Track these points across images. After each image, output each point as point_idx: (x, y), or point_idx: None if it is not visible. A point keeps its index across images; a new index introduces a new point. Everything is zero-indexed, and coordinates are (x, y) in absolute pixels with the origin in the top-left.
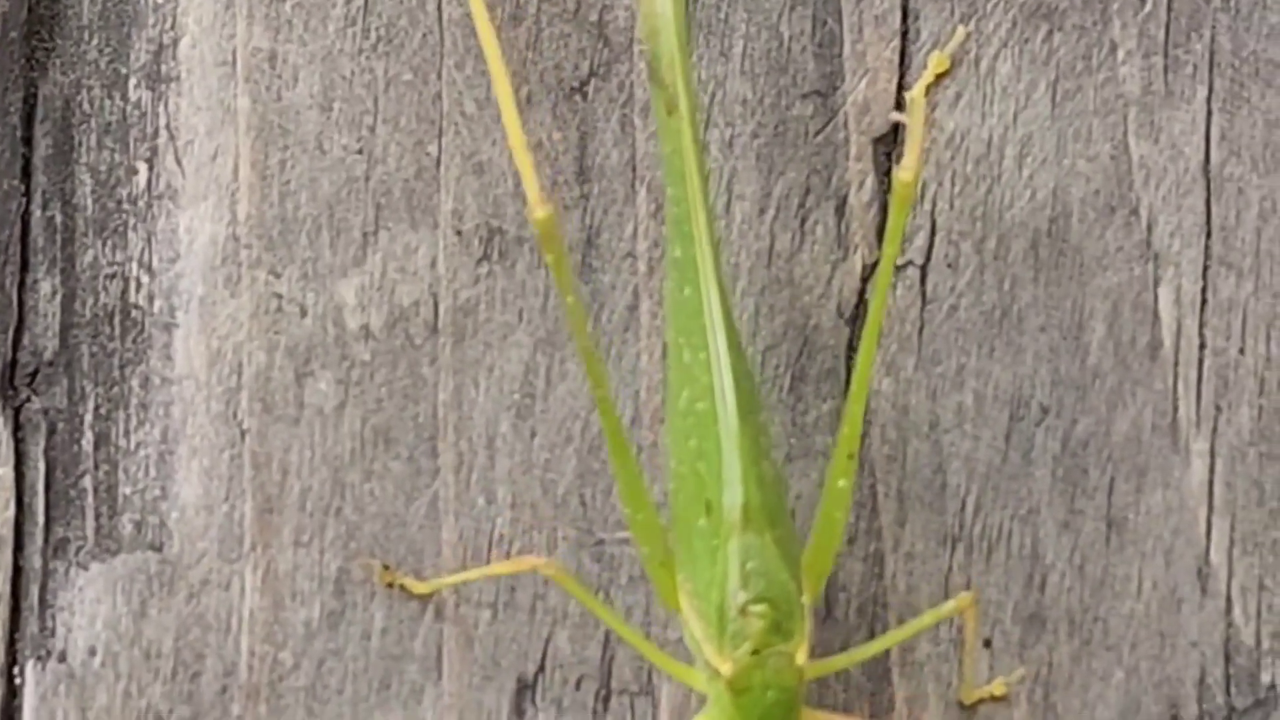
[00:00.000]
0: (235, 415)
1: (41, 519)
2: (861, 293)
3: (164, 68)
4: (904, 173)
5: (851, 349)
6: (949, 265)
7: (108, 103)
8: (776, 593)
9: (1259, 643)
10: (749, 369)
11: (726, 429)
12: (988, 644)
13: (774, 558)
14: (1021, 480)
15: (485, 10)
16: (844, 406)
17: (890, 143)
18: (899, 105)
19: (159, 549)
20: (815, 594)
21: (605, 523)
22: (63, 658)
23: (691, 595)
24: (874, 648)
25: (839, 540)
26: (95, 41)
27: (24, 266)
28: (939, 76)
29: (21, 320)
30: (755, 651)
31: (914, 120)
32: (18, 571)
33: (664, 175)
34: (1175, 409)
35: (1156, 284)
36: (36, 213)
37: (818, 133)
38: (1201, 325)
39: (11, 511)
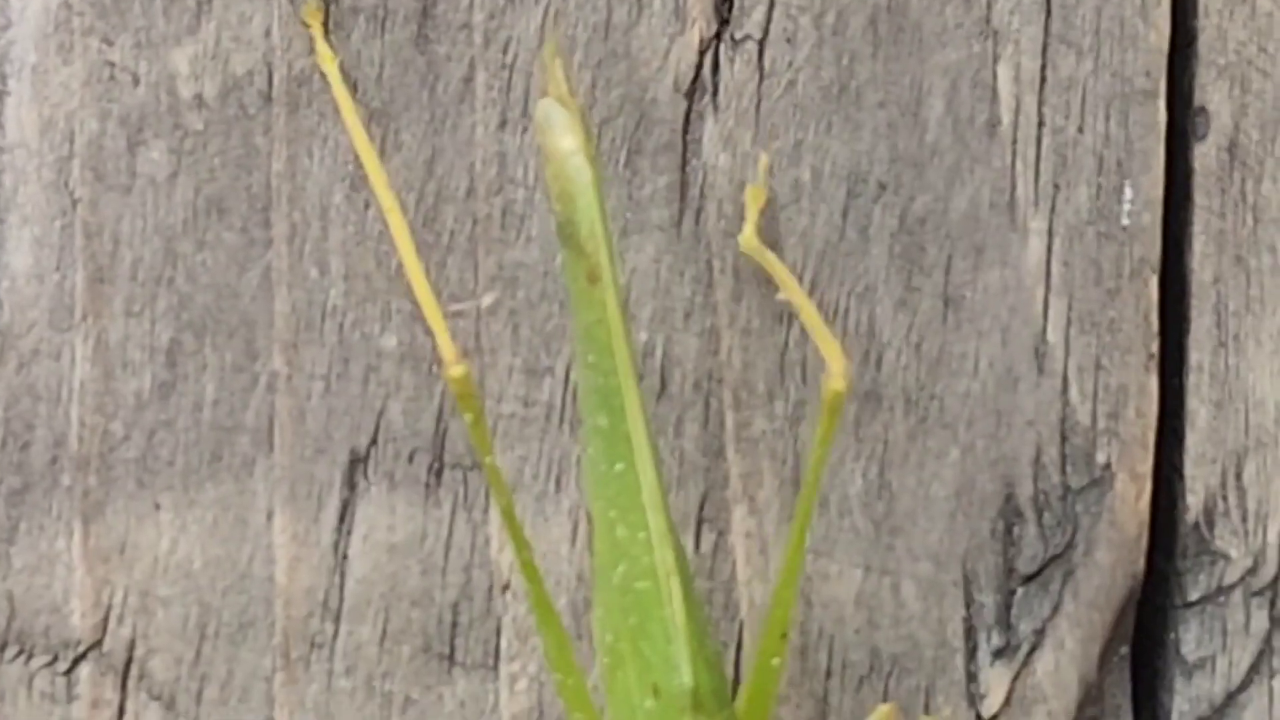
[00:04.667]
0: (67, 184)
1: None
2: (699, 66)
3: None
4: (835, 380)
5: (688, 122)
6: (787, 40)
7: None
8: None
9: (1095, 422)
10: (680, 542)
11: (673, 611)
12: None
13: None
14: (858, 257)
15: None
16: (774, 589)
17: None
18: None
19: None
20: None
21: (441, 294)
22: None
23: None
24: None
25: (771, 713)
26: None
27: None
28: None
29: None
30: None
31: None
32: None
33: (580, 343)
34: (1013, 187)
35: (996, 61)
36: None
37: None
38: (1040, 103)
39: None
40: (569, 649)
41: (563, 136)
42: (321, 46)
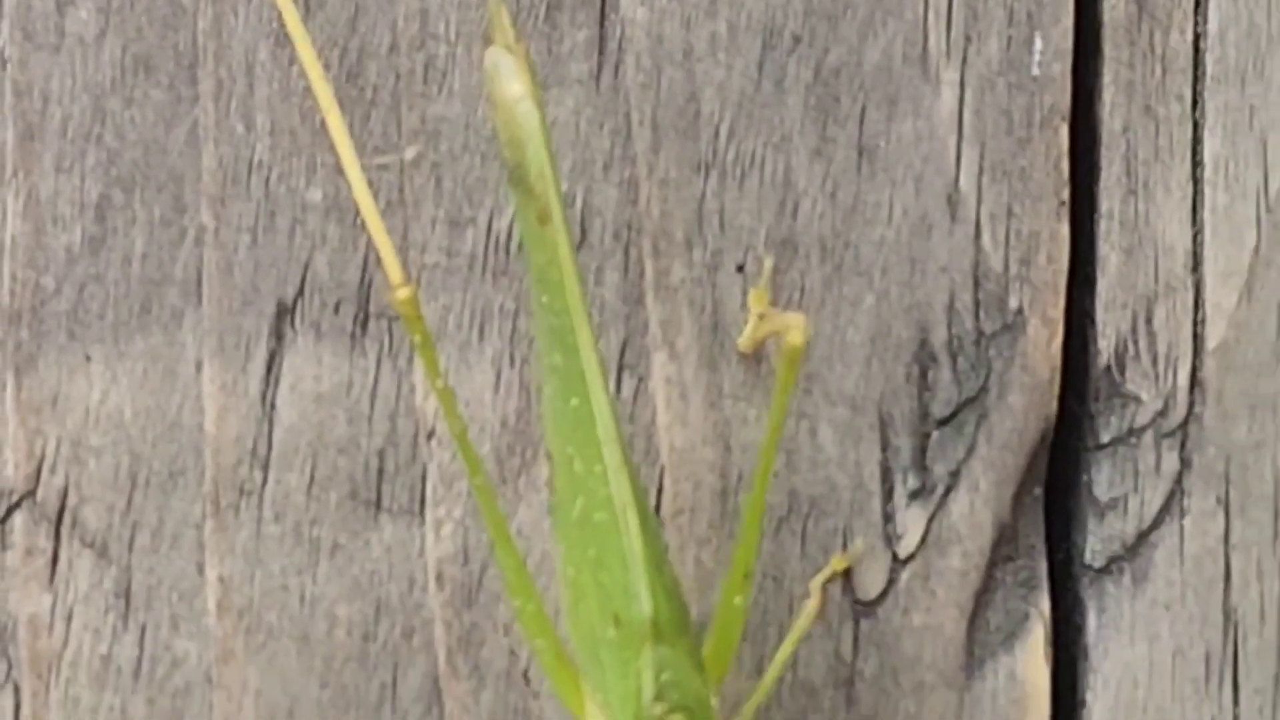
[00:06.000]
0: None
1: None
2: None
3: None
4: (794, 334)
5: None
6: None
7: None
8: (692, 701)
9: (1007, 268)
10: (637, 474)
11: (630, 542)
12: (740, 269)
13: (686, 667)
14: (774, 108)
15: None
16: (739, 530)
17: None
18: None
19: None
20: (716, 693)
21: (365, 148)
22: None
23: (603, 706)
24: (765, 686)
25: (734, 648)
26: None
27: None
28: None
29: None
30: None
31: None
32: None
33: (533, 283)
34: (926, 38)
35: None
36: None
37: None
38: None
39: None
40: (527, 576)
41: (510, 83)
42: None
